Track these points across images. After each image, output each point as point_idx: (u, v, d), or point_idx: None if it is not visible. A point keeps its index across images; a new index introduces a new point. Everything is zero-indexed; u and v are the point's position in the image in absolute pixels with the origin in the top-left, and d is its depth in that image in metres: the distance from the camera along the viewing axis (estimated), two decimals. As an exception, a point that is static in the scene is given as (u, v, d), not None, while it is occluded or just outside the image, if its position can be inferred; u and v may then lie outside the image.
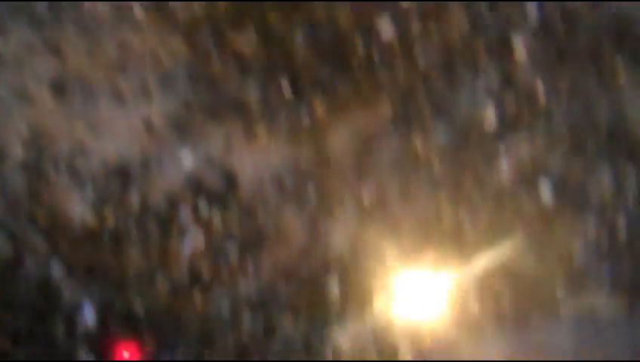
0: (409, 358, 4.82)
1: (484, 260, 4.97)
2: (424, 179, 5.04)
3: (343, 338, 4.81)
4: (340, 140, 5.02)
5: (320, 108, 5.01)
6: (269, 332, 4.79)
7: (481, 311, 4.90)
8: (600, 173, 5.11)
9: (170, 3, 4.93)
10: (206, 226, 4.83)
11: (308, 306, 4.85)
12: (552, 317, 4.93)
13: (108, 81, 4.87)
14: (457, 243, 4.98)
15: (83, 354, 4.58)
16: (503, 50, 5.08)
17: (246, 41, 4.95)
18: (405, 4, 5.06)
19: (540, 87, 5.10)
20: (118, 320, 4.66)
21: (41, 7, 4.85)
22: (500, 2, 5.11)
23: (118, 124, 4.87)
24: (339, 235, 4.94)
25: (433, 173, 5.03)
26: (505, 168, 5.07)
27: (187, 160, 4.88)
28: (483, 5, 5.11)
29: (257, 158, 4.94)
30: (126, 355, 4.49)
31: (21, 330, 4.60)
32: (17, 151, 4.77)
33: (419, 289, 4.94)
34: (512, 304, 4.90)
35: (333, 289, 4.87)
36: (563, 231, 5.02)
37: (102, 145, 4.84)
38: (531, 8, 5.14)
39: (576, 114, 5.13)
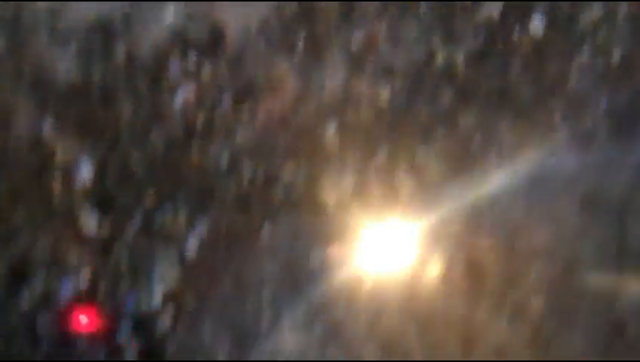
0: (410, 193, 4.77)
1: (480, 93, 4.92)
2: (412, 20, 4.95)
3: (344, 183, 4.76)
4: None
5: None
6: (270, 181, 4.72)
7: (480, 143, 4.85)
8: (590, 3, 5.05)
9: None
10: (196, 78, 4.74)
11: (307, 154, 4.78)
12: (550, 143, 4.90)
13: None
14: (450, 80, 4.92)
15: (83, 208, 4.52)
16: None
17: None
18: None
19: None
20: (115, 176, 4.59)
21: None
22: None
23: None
24: (330, 81, 4.86)
25: (420, 14, 4.94)
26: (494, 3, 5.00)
27: (170, 14, 4.77)
28: None
29: (242, 8, 4.84)
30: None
31: (18, 190, 4.54)
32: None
33: (414, 129, 4.88)
34: (509, 132, 4.85)
35: (331, 135, 4.79)
36: (556, 60, 4.96)
37: (80, 3, 4.73)
38: None
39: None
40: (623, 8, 5.06)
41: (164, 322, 4.46)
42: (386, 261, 4.69)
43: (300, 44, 4.87)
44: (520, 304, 4.63)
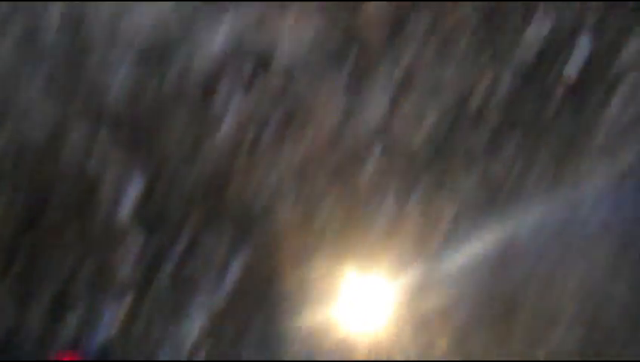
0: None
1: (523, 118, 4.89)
2: (458, 47, 4.90)
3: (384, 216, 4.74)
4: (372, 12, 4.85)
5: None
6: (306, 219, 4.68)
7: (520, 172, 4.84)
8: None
9: None
10: (247, 93, 4.67)
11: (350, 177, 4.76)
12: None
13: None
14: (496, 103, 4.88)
15: (130, 227, 4.49)
16: None
17: None
18: None
19: None
20: (164, 192, 4.55)
21: None
22: None
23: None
24: (378, 103, 4.83)
25: (464, 41, 4.89)
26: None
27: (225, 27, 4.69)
28: None
29: (291, 34, 4.76)
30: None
31: (67, 205, 4.49)
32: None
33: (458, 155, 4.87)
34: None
35: (376, 157, 4.77)
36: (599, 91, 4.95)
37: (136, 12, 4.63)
38: None
39: None
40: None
41: (202, 354, 4.47)
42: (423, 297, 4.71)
43: (350, 61, 4.81)
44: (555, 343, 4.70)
